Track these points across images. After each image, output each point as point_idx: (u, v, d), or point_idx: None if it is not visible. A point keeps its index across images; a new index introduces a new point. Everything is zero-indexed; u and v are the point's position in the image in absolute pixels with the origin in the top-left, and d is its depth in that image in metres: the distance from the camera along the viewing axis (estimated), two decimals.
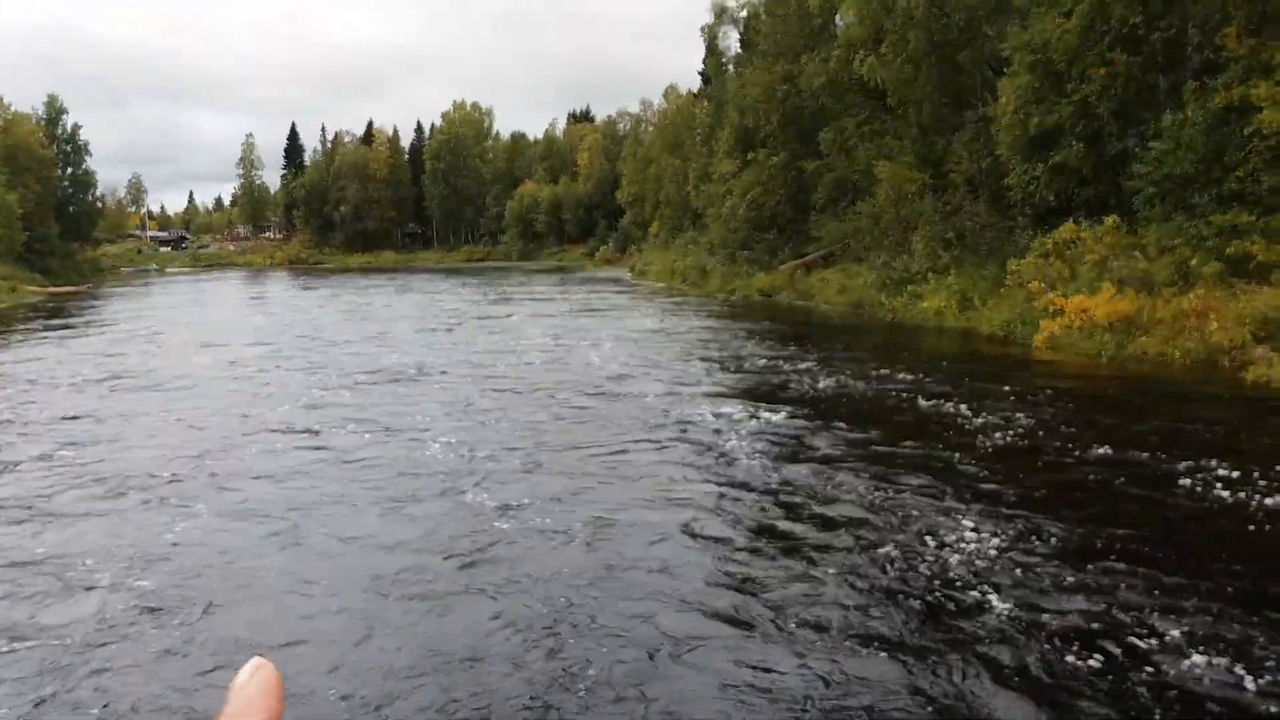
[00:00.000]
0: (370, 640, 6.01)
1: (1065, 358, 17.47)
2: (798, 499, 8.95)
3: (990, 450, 10.56)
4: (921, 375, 15.71)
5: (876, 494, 8.91)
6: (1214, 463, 9.38)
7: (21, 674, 5.66)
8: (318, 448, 11.38)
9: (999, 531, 7.70)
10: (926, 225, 27.82)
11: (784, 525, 8.23)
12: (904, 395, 13.93)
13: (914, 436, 11.34)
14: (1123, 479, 9.18)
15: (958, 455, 10.26)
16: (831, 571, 7.07)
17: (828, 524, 8.16)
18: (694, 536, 7.95)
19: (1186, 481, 8.92)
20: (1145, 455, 9.96)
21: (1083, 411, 12.55)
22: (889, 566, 7.11)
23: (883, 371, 16.26)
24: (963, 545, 7.42)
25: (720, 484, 9.56)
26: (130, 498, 9.30)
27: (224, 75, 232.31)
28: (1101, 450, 10.24)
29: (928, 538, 7.65)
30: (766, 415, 12.78)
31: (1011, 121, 23.85)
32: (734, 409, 13.33)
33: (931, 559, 7.19)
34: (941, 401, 13.26)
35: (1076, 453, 10.27)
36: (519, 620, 6.25)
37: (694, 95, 62.82)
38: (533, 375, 17.14)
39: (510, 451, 10.96)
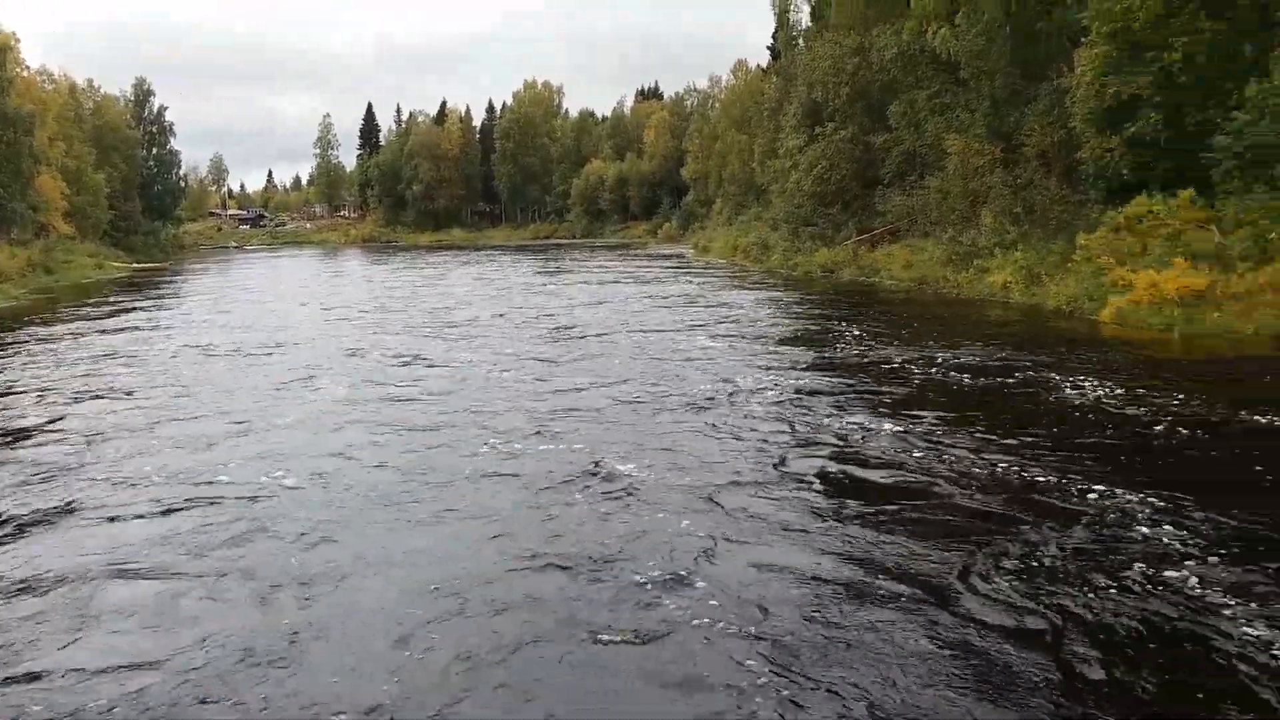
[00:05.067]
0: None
1: (1133, 333, 16.86)
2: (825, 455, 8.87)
3: (1090, 422, 10.10)
4: (980, 345, 15.48)
5: (908, 451, 8.80)
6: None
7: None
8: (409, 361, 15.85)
9: (1060, 487, 7.50)
10: (996, 199, 27.12)
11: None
12: (952, 364, 13.72)
13: (967, 404, 11.24)
14: (1208, 445, 9.00)
15: (1048, 424, 10.00)
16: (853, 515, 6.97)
17: (848, 465, 8.15)
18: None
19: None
20: (1215, 420, 9.80)
21: (1153, 381, 12.05)
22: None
23: (930, 339, 16.15)
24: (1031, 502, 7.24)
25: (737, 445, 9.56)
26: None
27: (303, 57, 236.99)
28: (1178, 417, 9.93)
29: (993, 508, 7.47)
30: (791, 378, 13.09)
31: (1087, 93, 23.02)
32: (755, 372, 13.51)
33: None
34: (1001, 370, 13.08)
35: (1147, 421, 9.91)
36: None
37: (763, 70, 62.10)
38: (563, 321, 20.92)
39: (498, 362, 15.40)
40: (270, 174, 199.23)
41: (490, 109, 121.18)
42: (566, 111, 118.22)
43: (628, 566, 6.27)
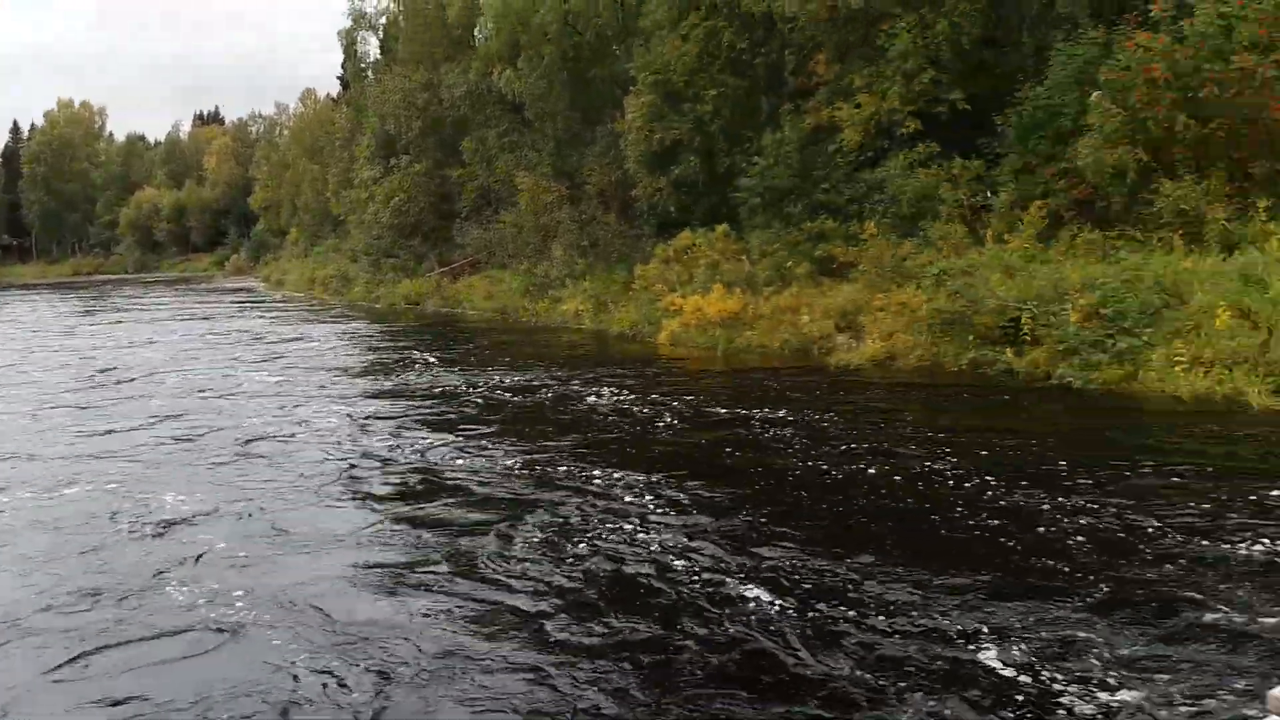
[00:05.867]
0: None
1: (685, 351, 18.82)
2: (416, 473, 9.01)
3: (611, 424, 11.51)
4: (545, 368, 16.74)
5: (486, 462, 9.27)
6: (780, 415, 10.66)
7: None
8: None
9: (614, 484, 8.24)
10: (564, 234, 28.79)
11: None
12: (516, 385, 14.73)
13: (519, 417, 12.37)
14: (698, 436, 10.61)
15: (580, 429, 11.24)
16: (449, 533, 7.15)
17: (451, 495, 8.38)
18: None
19: (763, 434, 10.02)
20: (711, 416, 11.58)
21: (679, 390, 13.86)
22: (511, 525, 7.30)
23: (503, 364, 17.16)
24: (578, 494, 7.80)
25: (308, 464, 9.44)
26: None
27: None
28: (682, 416, 11.68)
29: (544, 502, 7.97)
30: (361, 406, 13.45)
31: (637, 137, 25.33)
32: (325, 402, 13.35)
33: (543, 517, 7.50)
34: (558, 387, 14.30)
35: (686, 423, 11.40)
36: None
37: (333, 100, 60.69)
38: (106, 364, 19.52)
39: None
40: None
41: (16, 130, 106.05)
42: (111, 135, 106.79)
43: (170, 591, 6.42)
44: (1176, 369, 11.83)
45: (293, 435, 11.53)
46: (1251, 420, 10.43)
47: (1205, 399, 11.30)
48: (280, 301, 40.98)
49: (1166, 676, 4.72)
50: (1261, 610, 5.39)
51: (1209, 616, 5.37)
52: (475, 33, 37.23)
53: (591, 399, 13.34)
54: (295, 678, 5.16)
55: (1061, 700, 4.58)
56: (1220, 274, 12.95)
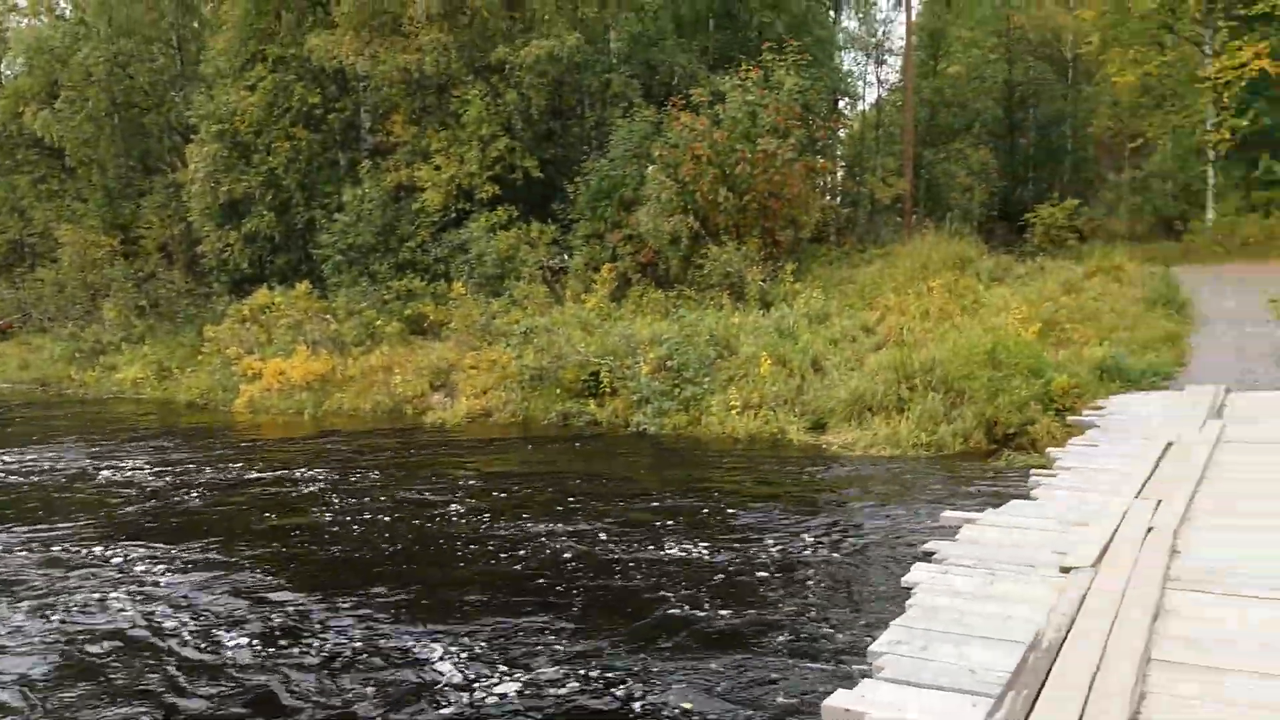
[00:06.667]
0: None
1: (267, 418, 17.82)
2: None
3: (143, 498, 10.83)
4: (94, 443, 15.06)
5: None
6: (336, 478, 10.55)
7: None
8: None
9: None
10: (118, 292, 26.07)
11: None
12: (58, 463, 13.18)
13: (60, 499, 11.11)
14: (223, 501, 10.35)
15: (109, 506, 10.48)
16: None
17: None
18: None
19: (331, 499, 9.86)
20: (286, 484, 11.29)
21: (254, 458, 13.17)
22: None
23: (40, 442, 15.27)
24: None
25: None
26: None
27: None
28: (255, 485, 11.31)
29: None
30: None
31: (202, 189, 23.70)
32: None
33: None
34: (105, 462, 13.07)
35: (228, 490, 11.13)
36: None
37: None
38: None
39: None
40: None
41: None
42: None
43: None
44: (732, 412, 13.40)
45: None
46: (789, 453, 12.09)
47: (757, 437, 12.91)
48: None
49: (626, 669, 5.57)
50: (716, 607, 6.45)
51: (673, 613, 6.37)
52: (2, 68, 32.81)
53: (127, 474, 12.36)
54: None
55: (506, 694, 5.30)
56: (760, 328, 14.93)
